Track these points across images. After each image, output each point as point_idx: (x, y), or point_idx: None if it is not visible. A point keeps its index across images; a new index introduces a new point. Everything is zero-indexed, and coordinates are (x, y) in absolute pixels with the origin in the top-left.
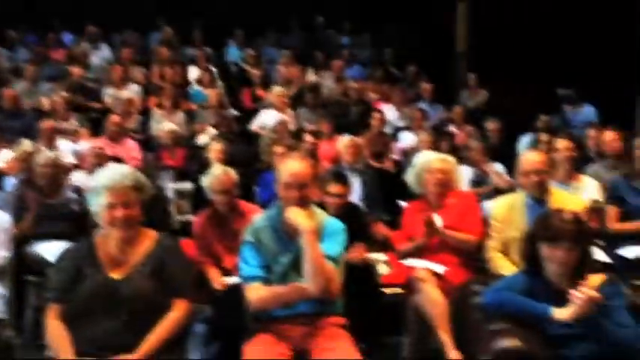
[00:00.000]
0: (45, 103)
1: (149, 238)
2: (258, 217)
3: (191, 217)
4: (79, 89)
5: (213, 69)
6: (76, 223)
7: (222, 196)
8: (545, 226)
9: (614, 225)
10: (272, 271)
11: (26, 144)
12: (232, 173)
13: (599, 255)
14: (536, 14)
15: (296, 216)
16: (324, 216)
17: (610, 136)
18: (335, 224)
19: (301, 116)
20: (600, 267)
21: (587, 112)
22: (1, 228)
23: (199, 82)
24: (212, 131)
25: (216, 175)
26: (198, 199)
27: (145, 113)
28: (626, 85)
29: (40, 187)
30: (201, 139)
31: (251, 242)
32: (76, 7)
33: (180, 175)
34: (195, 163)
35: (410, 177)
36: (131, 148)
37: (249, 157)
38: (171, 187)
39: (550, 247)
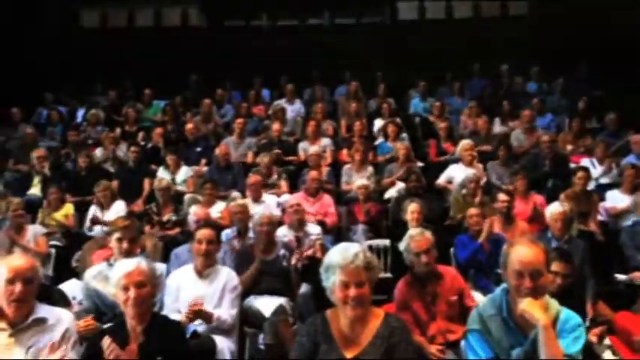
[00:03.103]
0: (249, 157)
1: (377, 317)
2: (483, 303)
3: (385, 275)
4: (277, 144)
5: (398, 121)
6: (285, 279)
7: (421, 258)
8: None
9: None
10: None
11: (238, 197)
12: (429, 235)
13: None
14: None
15: (532, 309)
16: (558, 307)
17: None
18: (572, 319)
19: (492, 171)
20: None
21: None
22: (231, 286)
23: (385, 134)
24: (401, 185)
25: (414, 236)
26: (392, 257)
27: (335, 166)
28: None
29: (258, 243)
30: (389, 193)
31: (479, 331)
32: (273, 65)
33: (373, 231)
34: (385, 218)
35: None
36: (327, 203)
37: (439, 213)
38: (365, 243)
39: None
